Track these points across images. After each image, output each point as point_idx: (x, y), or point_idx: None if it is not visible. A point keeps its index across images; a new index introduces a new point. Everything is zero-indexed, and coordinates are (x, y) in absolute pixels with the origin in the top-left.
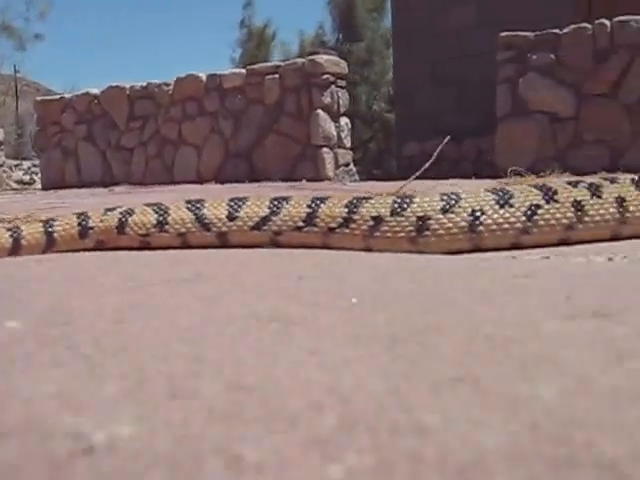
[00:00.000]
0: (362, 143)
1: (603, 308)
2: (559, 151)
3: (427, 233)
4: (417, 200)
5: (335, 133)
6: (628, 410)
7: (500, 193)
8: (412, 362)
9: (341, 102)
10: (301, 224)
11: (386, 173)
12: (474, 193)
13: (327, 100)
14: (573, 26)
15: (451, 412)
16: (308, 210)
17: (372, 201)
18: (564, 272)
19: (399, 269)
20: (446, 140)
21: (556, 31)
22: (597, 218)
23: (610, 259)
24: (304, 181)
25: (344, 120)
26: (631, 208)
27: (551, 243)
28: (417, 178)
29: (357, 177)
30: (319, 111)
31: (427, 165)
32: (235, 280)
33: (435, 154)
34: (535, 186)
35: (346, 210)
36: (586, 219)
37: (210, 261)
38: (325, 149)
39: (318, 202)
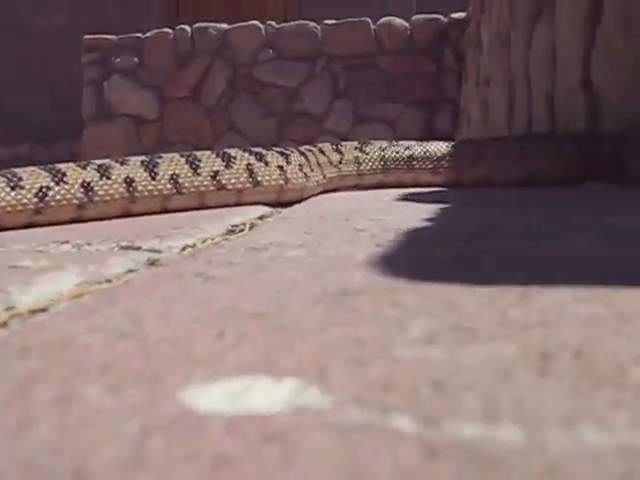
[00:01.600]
0: None
1: None
2: (145, 152)
3: None
4: None
5: None
6: None
7: (9, 176)
8: None
9: None
10: None
11: None
12: None
13: None
14: (156, 30)
15: None
16: None
17: None
18: None
19: None
20: None
21: (139, 35)
22: (107, 198)
23: None
24: None
25: None
26: (139, 188)
27: (65, 221)
28: None
29: None
30: None
31: None
32: None
33: None
34: (44, 168)
35: None
36: (96, 199)
37: None
38: None
39: None
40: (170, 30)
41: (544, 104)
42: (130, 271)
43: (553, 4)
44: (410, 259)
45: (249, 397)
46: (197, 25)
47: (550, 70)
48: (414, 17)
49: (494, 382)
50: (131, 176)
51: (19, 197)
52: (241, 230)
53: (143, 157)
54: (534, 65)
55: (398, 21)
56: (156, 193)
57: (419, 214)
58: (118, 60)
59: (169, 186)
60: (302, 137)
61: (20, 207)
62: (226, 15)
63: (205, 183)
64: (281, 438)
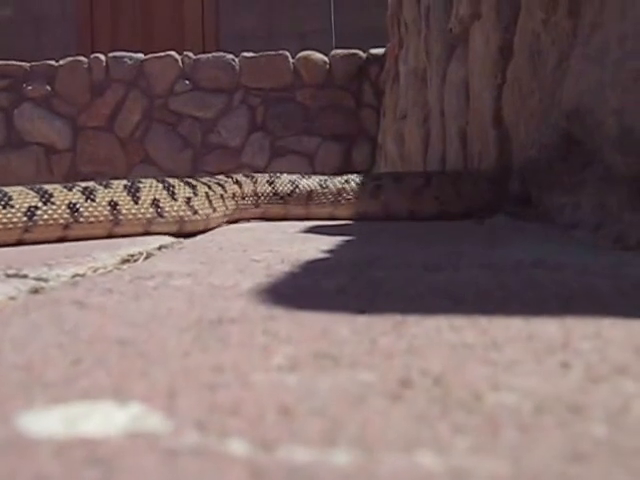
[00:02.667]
0: None
1: None
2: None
3: None
4: None
5: None
6: None
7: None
8: None
9: None
10: None
11: None
12: None
13: None
14: (70, 58)
15: None
16: None
17: None
18: None
19: None
20: None
21: (52, 63)
22: (92, 219)
23: None
24: None
25: None
26: (123, 211)
27: (52, 240)
28: None
29: None
30: None
31: None
32: None
33: None
34: (32, 188)
35: None
36: (81, 220)
37: None
38: None
39: None
40: (84, 58)
41: (458, 139)
42: (12, 299)
43: (467, 41)
44: (296, 289)
45: (87, 422)
46: (112, 54)
47: (463, 106)
48: (333, 52)
49: (344, 408)
50: (115, 199)
51: (10, 215)
52: (136, 260)
53: (125, 181)
54: (448, 100)
55: (317, 55)
56: (140, 217)
57: (320, 246)
58: (30, 87)
59: (151, 210)
60: (218, 170)
61: (11, 225)
62: (143, 46)
63: (183, 208)
64: (106, 462)
